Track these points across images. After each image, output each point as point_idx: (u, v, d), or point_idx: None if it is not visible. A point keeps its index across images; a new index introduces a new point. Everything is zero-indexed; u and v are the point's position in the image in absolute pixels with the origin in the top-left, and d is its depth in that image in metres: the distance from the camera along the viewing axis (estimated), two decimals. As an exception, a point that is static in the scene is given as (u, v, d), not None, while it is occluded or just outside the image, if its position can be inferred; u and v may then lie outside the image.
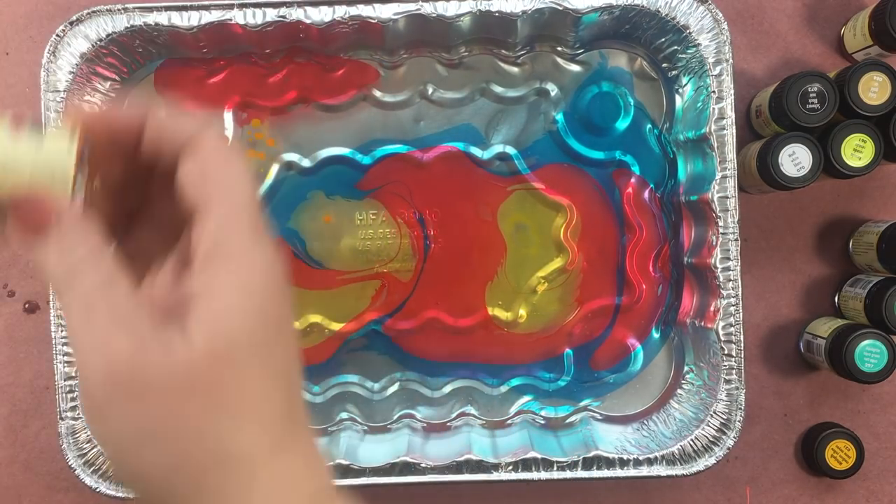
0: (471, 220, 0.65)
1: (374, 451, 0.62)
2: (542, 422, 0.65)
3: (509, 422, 0.65)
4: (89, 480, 0.60)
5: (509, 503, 0.66)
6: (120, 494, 0.60)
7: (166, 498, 0.30)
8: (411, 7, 0.59)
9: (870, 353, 0.59)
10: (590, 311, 0.65)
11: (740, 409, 0.59)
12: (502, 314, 0.65)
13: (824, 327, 0.63)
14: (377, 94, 0.64)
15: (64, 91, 0.59)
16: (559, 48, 0.64)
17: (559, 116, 0.64)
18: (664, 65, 0.63)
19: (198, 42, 0.61)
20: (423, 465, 0.60)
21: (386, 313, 0.65)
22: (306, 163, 0.64)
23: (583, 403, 0.65)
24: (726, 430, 0.60)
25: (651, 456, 0.60)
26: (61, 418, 0.60)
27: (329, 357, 0.65)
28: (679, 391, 0.63)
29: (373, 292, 0.65)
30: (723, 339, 0.59)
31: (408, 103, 0.64)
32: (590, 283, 0.65)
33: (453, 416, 0.65)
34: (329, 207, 0.64)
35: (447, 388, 0.65)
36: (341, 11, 0.59)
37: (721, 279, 0.59)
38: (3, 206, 0.32)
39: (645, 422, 0.63)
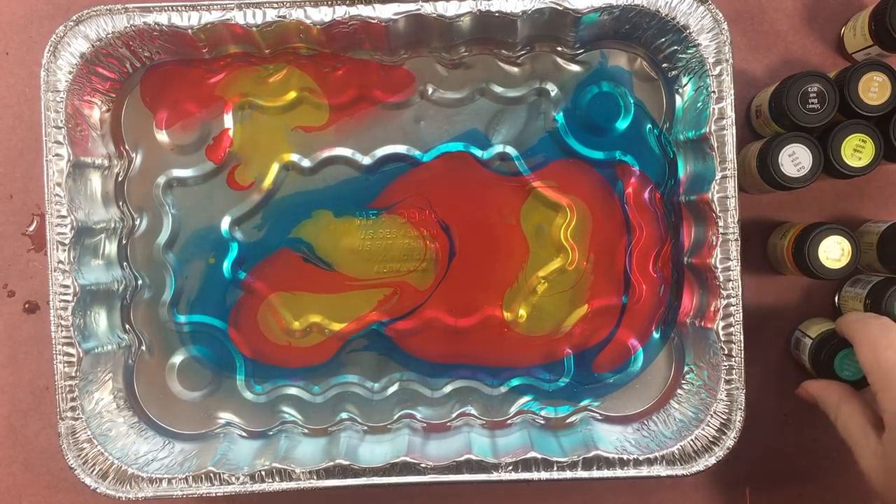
0: (496, 225, 0.64)
1: (374, 451, 0.62)
2: (542, 422, 0.65)
3: (509, 422, 0.65)
4: (89, 480, 0.60)
5: (509, 503, 0.66)
6: (119, 495, 0.60)
7: None
8: (411, 7, 0.59)
9: (851, 360, 0.59)
10: (595, 311, 0.65)
11: (740, 409, 0.59)
12: (517, 317, 0.65)
13: (815, 328, 0.63)
14: (377, 93, 0.64)
15: (64, 91, 0.59)
16: (559, 48, 0.64)
17: (559, 116, 0.64)
18: (664, 65, 0.63)
19: (198, 42, 0.61)
20: (423, 465, 0.60)
21: (391, 317, 0.65)
22: (306, 163, 0.64)
23: (583, 403, 0.65)
24: (726, 430, 0.59)
25: (651, 456, 0.60)
26: (61, 418, 0.60)
27: (329, 357, 0.65)
28: (679, 391, 0.63)
29: (381, 297, 0.65)
30: (723, 339, 0.59)
31: (408, 103, 0.64)
32: (598, 283, 0.65)
33: (453, 416, 0.65)
34: (336, 221, 0.64)
35: (447, 389, 0.65)
36: (341, 11, 0.59)
37: (721, 279, 0.59)
38: None
39: (645, 422, 0.63)
